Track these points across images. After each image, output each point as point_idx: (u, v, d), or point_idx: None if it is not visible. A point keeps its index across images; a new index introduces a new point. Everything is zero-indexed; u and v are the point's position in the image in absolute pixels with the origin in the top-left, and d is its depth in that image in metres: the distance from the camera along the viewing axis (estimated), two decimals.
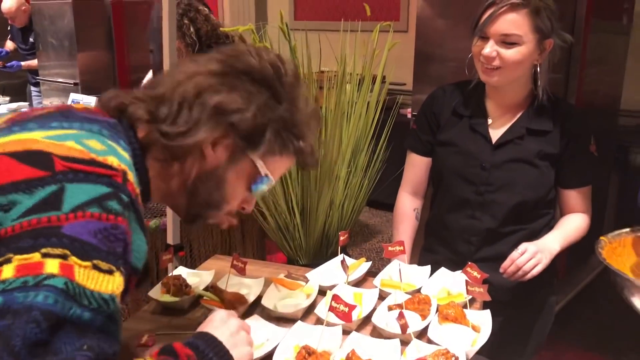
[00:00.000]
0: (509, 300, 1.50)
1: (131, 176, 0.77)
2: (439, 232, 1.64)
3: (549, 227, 1.57)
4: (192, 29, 2.64)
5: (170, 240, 1.91)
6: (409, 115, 3.35)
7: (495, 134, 1.53)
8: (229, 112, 0.85)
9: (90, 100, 3.18)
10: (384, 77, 1.76)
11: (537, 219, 1.56)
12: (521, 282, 1.42)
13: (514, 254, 1.40)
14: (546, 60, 1.48)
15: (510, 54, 1.40)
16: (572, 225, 1.55)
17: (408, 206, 1.70)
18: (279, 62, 0.91)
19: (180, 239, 1.94)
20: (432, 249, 1.68)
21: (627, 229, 1.33)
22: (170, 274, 1.35)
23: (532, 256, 1.38)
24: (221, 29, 2.26)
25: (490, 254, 1.54)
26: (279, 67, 0.90)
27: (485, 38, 1.43)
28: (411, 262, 1.55)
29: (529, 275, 1.39)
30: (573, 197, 1.56)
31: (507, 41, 1.40)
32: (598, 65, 3.03)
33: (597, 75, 3.06)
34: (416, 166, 1.68)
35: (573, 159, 1.52)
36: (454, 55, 2.89)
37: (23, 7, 4.68)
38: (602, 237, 1.26)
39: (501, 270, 1.41)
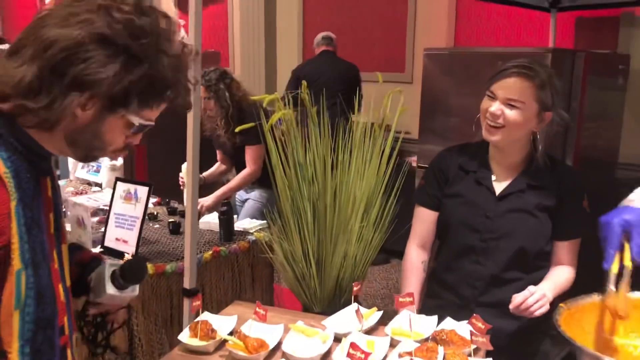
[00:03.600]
0: (505, 346, 1.59)
1: None
2: (445, 277, 1.76)
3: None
4: (227, 94, 2.95)
5: (186, 284, 2.01)
6: (414, 164, 3.49)
7: (499, 187, 1.68)
8: (86, 83, 0.88)
9: None
10: (389, 127, 1.88)
11: (536, 270, 1.68)
12: (519, 329, 1.55)
13: (526, 292, 1.51)
14: (544, 130, 1.64)
15: (513, 114, 1.57)
16: (562, 277, 1.67)
17: (416, 259, 1.81)
18: (135, 18, 0.90)
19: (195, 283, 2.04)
20: (435, 294, 1.80)
21: (584, 296, 1.39)
22: (197, 319, 1.46)
23: (540, 298, 1.51)
24: (252, 97, 2.51)
25: (492, 300, 1.66)
26: (135, 27, 0.90)
27: (493, 98, 1.59)
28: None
29: (533, 315, 1.51)
30: (561, 248, 1.69)
31: (512, 104, 1.56)
32: (596, 120, 3.17)
33: (595, 130, 3.20)
34: (425, 220, 1.81)
35: (566, 213, 1.66)
36: (458, 111, 3.05)
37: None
38: (561, 304, 1.33)
39: (511, 306, 1.52)
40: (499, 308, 1.60)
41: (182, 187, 3.02)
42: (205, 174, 3.26)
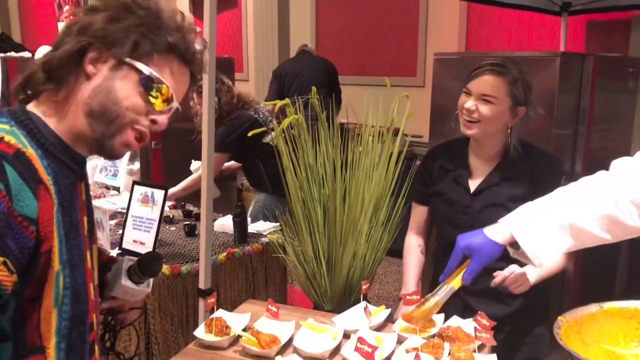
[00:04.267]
0: (498, 329, 1.66)
1: (9, 139, 0.90)
2: (437, 269, 1.85)
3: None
4: (216, 99, 2.93)
5: (202, 285, 2.07)
6: None
7: (474, 184, 1.79)
8: (87, 30, 0.96)
9: None
10: (406, 133, 1.95)
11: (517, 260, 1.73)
12: (510, 313, 1.68)
13: (505, 272, 1.60)
14: (518, 123, 1.74)
15: (486, 110, 1.67)
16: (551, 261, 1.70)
17: (413, 243, 1.96)
18: None
19: (210, 283, 2.10)
20: (435, 284, 1.86)
21: (582, 307, 1.41)
22: (212, 316, 1.52)
23: (519, 278, 1.59)
24: (263, 103, 2.58)
25: (480, 288, 1.71)
26: None
27: (469, 94, 1.70)
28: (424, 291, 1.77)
29: (514, 292, 1.60)
30: None
31: (485, 99, 1.67)
32: (606, 123, 3.18)
33: (606, 132, 3.21)
34: (417, 213, 1.95)
35: (542, 196, 1.69)
36: None
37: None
38: (559, 317, 1.35)
39: (492, 284, 1.61)
40: (487, 295, 1.71)
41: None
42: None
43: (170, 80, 1.01)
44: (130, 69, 0.98)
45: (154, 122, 1.02)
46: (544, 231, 1.33)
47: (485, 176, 1.78)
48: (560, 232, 1.33)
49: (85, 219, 1.05)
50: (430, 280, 1.93)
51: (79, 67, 0.97)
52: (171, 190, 3.06)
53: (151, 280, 1.26)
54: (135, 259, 1.25)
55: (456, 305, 1.71)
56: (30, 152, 0.92)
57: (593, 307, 1.41)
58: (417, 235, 1.96)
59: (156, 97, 0.99)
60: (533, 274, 1.64)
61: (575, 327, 1.35)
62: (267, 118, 3.16)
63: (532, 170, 1.75)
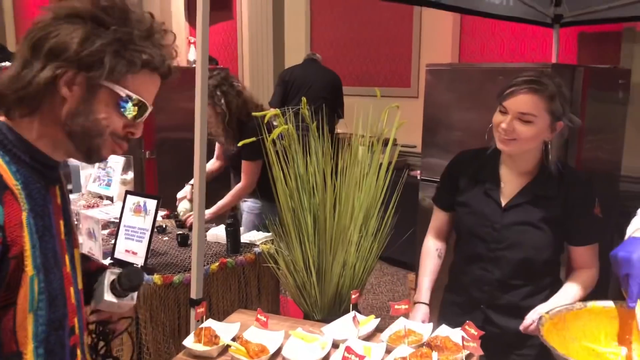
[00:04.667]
0: (514, 342, 1.71)
1: None
2: (459, 277, 1.86)
3: (552, 286, 1.74)
4: (222, 101, 2.92)
5: (193, 294, 2.07)
6: (419, 177, 3.55)
7: (506, 199, 1.73)
8: (59, 52, 0.94)
9: (118, 160, 3.39)
10: (395, 140, 1.95)
11: (543, 277, 1.75)
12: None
13: (533, 315, 1.59)
14: (556, 138, 1.69)
15: (525, 130, 1.61)
16: (579, 286, 1.70)
17: (432, 247, 1.93)
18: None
19: (202, 293, 2.10)
20: (453, 289, 1.89)
21: (567, 305, 1.45)
22: (201, 326, 1.52)
23: None
24: (253, 113, 2.54)
25: (501, 303, 1.74)
26: (101, 2, 0.98)
27: (504, 112, 1.64)
28: (435, 299, 1.80)
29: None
30: (580, 254, 1.74)
31: (523, 119, 1.60)
32: (597, 133, 3.22)
33: (597, 143, 3.24)
34: (438, 217, 1.93)
35: (579, 220, 1.70)
36: (460, 124, 3.11)
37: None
38: (544, 314, 1.38)
39: (521, 328, 1.61)
40: (507, 309, 1.71)
41: (177, 204, 3.09)
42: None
43: (144, 93, 1.03)
44: (106, 90, 0.98)
45: (132, 133, 1.05)
46: None
47: (517, 192, 1.72)
48: None
49: (61, 222, 1.06)
50: (445, 286, 1.93)
51: (53, 88, 0.96)
52: (209, 212, 2.98)
53: (135, 292, 1.27)
54: (118, 271, 1.25)
55: (476, 318, 1.69)
56: None
57: (577, 306, 1.45)
58: (435, 239, 1.93)
59: (133, 112, 1.01)
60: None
61: (559, 324, 1.38)
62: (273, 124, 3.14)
63: (567, 193, 1.68)
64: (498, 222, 1.72)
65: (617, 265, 1.33)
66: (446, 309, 1.88)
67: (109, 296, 1.22)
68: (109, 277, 1.24)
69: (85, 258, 1.34)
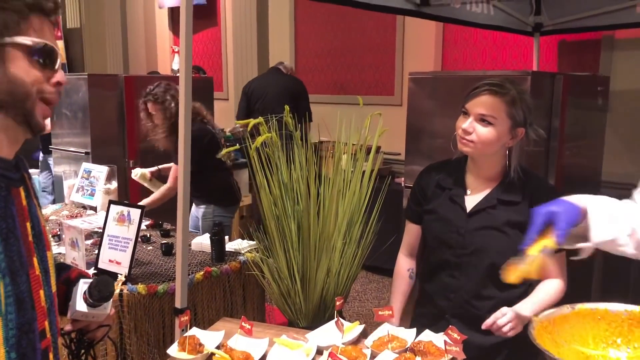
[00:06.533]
0: (475, 357, 1.64)
1: None
2: (425, 287, 1.86)
3: (522, 298, 1.70)
4: (173, 104, 3.15)
5: (178, 304, 2.07)
6: (403, 184, 3.57)
7: (470, 204, 1.75)
8: None
9: (102, 170, 3.39)
10: (378, 148, 1.96)
11: (511, 288, 1.69)
12: (488, 342, 1.61)
13: (497, 314, 1.57)
14: (517, 145, 1.71)
15: (484, 131, 1.64)
16: (545, 293, 1.70)
17: (403, 267, 1.94)
18: None
19: (187, 302, 2.09)
20: (420, 302, 1.89)
21: (556, 308, 1.45)
22: (186, 334, 1.52)
23: (511, 320, 1.56)
24: (236, 122, 2.69)
25: (466, 313, 1.72)
26: None
27: (466, 114, 1.67)
28: (406, 314, 1.75)
29: (506, 335, 1.56)
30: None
31: (484, 119, 1.63)
32: (577, 140, 3.26)
33: (577, 149, 3.29)
34: (410, 232, 1.93)
35: None
36: (443, 131, 3.13)
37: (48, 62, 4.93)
38: (534, 317, 1.38)
39: (483, 326, 1.57)
40: (471, 321, 1.68)
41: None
42: (162, 166, 3.55)
43: (47, 37, 1.00)
44: (11, 47, 0.96)
45: (58, 84, 1.01)
46: (613, 214, 1.32)
47: (482, 197, 1.74)
48: (625, 225, 1.32)
49: (28, 224, 1.04)
50: (415, 301, 1.92)
51: None
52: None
53: (109, 302, 1.26)
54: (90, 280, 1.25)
55: (441, 329, 1.65)
56: None
57: (565, 309, 1.45)
58: (407, 257, 1.94)
59: (48, 61, 0.99)
60: (529, 309, 1.60)
61: (548, 327, 1.38)
62: (219, 133, 3.34)
63: (531, 198, 1.69)
64: (463, 227, 1.73)
65: (539, 217, 1.34)
66: (415, 321, 1.86)
67: (81, 306, 1.22)
68: (82, 287, 1.23)
69: (65, 267, 1.33)
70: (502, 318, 1.55)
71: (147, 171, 3.50)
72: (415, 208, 1.88)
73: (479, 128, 1.64)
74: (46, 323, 1.05)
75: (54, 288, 1.10)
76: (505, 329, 1.54)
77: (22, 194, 1.04)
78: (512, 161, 1.71)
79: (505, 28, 3.63)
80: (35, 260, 1.04)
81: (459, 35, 4.95)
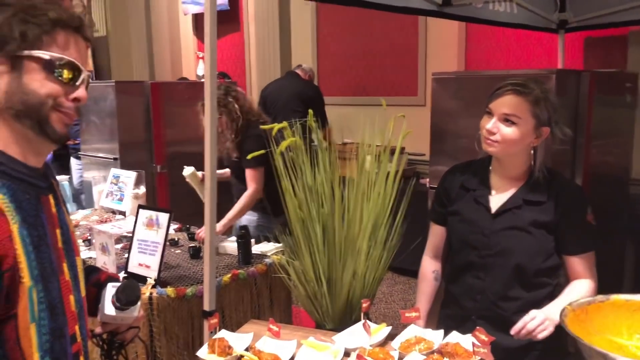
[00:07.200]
0: (504, 358, 1.65)
1: None
2: (451, 289, 1.86)
3: (549, 299, 1.70)
4: (236, 106, 3.02)
5: (206, 306, 2.09)
6: (428, 185, 3.56)
7: (495, 205, 1.74)
8: None
9: (130, 175, 3.45)
10: (402, 149, 1.96)
11: (538, 289, 1.71)
12: (515, 344, 1.59)
13: (526, 318, 1.55)
14: (542, 144, 1.70)
15: (509, 131, 1.64)
16: (575, 294, 1.67)
17: (428, 269, 1.94)
18: None
19: (215, 305, 2.12)
20: (445, 304, 1.89)
21: (589, 298, 1.43)
22: (215, 337, 1.54)
23: (541, 323, 1.54)
24: (261, 126, 2.61)
25: (491, 314, 1.71)
26: None
27: (490, 114, 1.67)
28: (432, 316, 1.76)
29: (536, 338, 1.54)
30: (576, 263, 1.71)
31: (508, 119, 1.63)
32: (605, 138, 3.21)
33: (605, 147, 3.24)
34: (435, 234, 1.93)
35: (571, 228, 1.69)
36: (467, 131, 3.12)
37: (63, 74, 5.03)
38: (566, 305, 1.37)
39: (512, 332, 1.56)
40: (498, 322, 1.67)
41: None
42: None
43: (72, 53, 1.03)
44: (29, 60, 0.99)
45: (76, 100, 1.04)
46: None
47: (507, 198, 1.73)
48: None
49: (57, 231, 1.06)
50: (441, 302, 1.92)
51: None
52: (220, 224, 2.95)
53: (138, 305, 1.28)
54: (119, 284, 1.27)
55: (467, 331, 1.64)
56: None
57: (600, 298, 1.43)
58: (433, 259, 1.94)
59: (66, 75, 1.01)
60: (556, 313, 1.52)
61: (581, 315, 1.37)
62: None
63: (557, 199, 1.68)
64: (488, 227, 1.72)
65: None
66: (442, 323, 1.85)
67: (109, 310, 1.25)
68: (110, 291, 1.26)
69: (95, 270, 1.37)
70: (532, 322, 1.54)
71: (200, 173, 3.29)
72: (440, 210, 1.88)
73: (503, 128, 1.64)
74: (77, 327, 1.08)
75: (83, 293, 1.14)
76: (535, 332, 1.53)
77: (52, 201, 1.07)
78: (537, 160, 1.70)
79: (529, 26, 3.58)
80: (65, 266, 1.07)
81: (482, 34, 4.91)
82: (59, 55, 1.01)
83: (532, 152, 1.70)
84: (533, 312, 1.56)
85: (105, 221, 3.30)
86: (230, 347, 1.50)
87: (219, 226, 2.96)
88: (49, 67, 1.00)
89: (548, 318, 1.55)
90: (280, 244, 2.76)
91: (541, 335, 1.53)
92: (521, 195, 1.72)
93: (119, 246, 2.81)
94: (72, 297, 1.08)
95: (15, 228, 0.95)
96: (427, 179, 3.67)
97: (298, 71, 5.26)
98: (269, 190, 3.06)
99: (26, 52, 0.98)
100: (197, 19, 7.63)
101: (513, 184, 1.74)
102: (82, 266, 1.16)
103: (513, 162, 1.72)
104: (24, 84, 0.99)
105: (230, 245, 2.78)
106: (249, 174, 3.07)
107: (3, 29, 0.97)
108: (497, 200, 1.75)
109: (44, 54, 0.99)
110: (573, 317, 1.35)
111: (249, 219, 3.23)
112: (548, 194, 1.70)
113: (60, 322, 1.03)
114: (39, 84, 1.00)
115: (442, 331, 1.61)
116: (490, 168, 1.79)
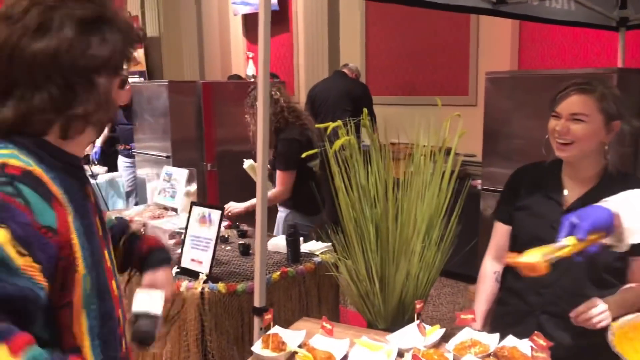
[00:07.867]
0: (563, 359, 1.60)
1: (13, 162, 0.95)
2: (513, 283, 1.80)
3: None
4: (281, 99, 3.11)
5: (257, 303, 2.11)
6: (479, 187, 3.50)
7: (568, 201, 1.71)
8: (88, 62, 1.01)
9: (182, 173, 3.52)
10: (459, 153, 1.94)
11: (607, 288, 1.66)
12: (579, 343, 1.56)
13: (589, 303, 1.53)
14: (614, 143, 1.67)
15: (579, 129, 1.62)
16: (633, 294, 1.63)
17: (489, 269, 1.90)
18: None
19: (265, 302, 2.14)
20: (503, 302, 1.84)
21: (636, 314, 1.39)
22: (268, 332, 1.56)
23: (603, 311, 1.51)
24: (316, 125, 2.64)
25: (557, 310, 1.67)
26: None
27: (557, 117, 1.65)
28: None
29: (594, 327, 1.51)
30: (637, 264, 1.66)
31: (576, 118, 1.62)
32: None
33: None
34: (499, 233, 1.89)
35: None
36: (521, 132, 3.06)
37: (127, 86, 5.19)
38: (612, 323, 1.34)
39: (572, 314, 1.54)
40: (562, 319, 1.61)
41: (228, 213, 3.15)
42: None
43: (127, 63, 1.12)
44: (118, 77, 1.09)
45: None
46: None
47: (581, 195, 1.70)
48: None
49: (97, 219, 1.11)
50: (497, 300, 1.88)
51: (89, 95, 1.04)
52: (232, 205, 3.12)
53: (160, 320, 1.22)
54: (144, 296, 1.23)
55: (528, 327, 1.64)
56: (36, 169, 0.97)
57: None
58: (494, 260, 1.90)
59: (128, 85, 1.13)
60: (615, 304, 1.55)
61: (629, 333, 1.34)
62: (314, 138, 3.16)
63: None
64: (557, 221, 1.65)
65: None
66: (496, 321, 1.82)
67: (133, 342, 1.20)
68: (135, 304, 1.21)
69: (137, 238, 1.38)
70: (594, 309, 1.50)
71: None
72: (506, 207, 1.85)
73: (573, 127, 1.62)
74: (120, 311, 1.13)
75: (119, 277, 1.18)
76: (596, 320, 1.50)
77: (90, 189, 1.13)
78: (610, 156, 1.67)
79: (587, 24, 3.47)
80: (105, 252, 1.12)
81: (536, 32, 4.79)
82: (126, 73, 1.12)
83: (604, 151, 1.67)
84: (596, 300, 1.53)
85: (158, 217, 3.38)
86: (283, 343, 1.51)
87: (241, 206, 3.17)
88: (123, 83, 1.11)
89: (608, 309, 1.52)
90: (329, 243, 2.77)
91: (600, 325, 1.50)
92: (594, 194, 1.66)
93: (172, 242, 2.87)
94: (114, 282, 1.12)
95: (70, 219, 0.99)
96: (479, 181, 3.61)
97: (345, 70, 5.26)
98: (302, 192, 3.13)
99: (124, 73, 1.10)
100: (247, 19, 7.73)
101: (586, 184, 1.71)
102: (113, 252, 1.20)
103: (586, 163, 1.69)
104: (112, 98, 1.09)
105: (279, 242, 2.80)
106: (279, 175, 3.12)
107: (117, 57, 1.06)
108: (569, 199, 1.73)
109: (125, 73, 1.11)
110: (621, 335, 1.31)
111: (285, 216, 3.26)
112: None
113: (109, 307, 1.07)
114: (116, 97, 1.10)
115: (497, 334, 1.57)
116: (562, 170, 1.76)
